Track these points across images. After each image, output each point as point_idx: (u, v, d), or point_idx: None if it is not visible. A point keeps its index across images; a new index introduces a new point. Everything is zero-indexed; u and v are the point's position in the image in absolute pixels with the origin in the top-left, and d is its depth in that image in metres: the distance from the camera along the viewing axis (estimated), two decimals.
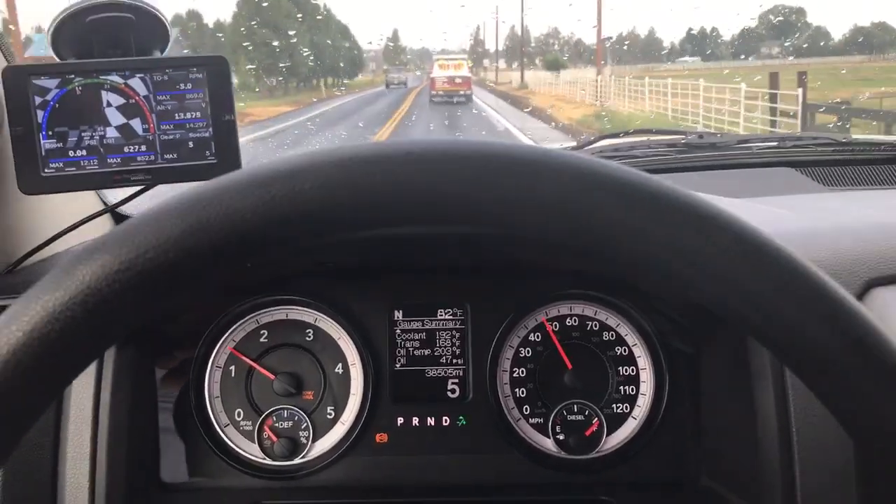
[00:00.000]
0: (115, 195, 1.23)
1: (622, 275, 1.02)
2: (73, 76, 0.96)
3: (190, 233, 0.44)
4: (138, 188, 1.09)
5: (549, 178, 0.45)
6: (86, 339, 0.44)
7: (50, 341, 0.42)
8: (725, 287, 0.45)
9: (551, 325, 1.15)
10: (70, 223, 1.11)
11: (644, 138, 1.76)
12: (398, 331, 1.15)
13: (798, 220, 1.17)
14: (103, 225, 1.29)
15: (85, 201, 1.25)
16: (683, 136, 1.67)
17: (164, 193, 0.99)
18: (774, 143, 1.66)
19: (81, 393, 0.97)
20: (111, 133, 0.98)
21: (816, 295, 0.45)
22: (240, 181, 0.45)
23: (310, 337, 1.14)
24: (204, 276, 0.46)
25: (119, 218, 1.35)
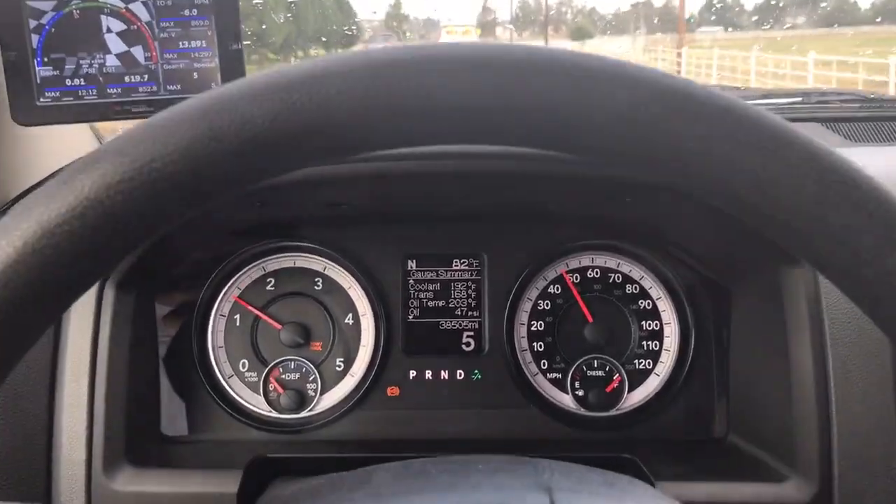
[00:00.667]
0: (113, 133, 1.17)
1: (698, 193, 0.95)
2: None
3: (200, 141, 0.38)
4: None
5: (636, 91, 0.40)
6: (84, 256, 0.38)
7: (44, 258, 0.37)
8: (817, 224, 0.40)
9: (571, 276, 1.10)
10: (66, 162, 1.06)
11: None
12: (412, 281, 1.10)
13: None
14: None
15: (81, 138, 1.18)
16: None
17: None
18: (799, 99, 1.60)
19: (78, 338, 0.91)
20: (111, 61, 0.91)
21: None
22: (257, 85, 0.40)
23: (319, 286, 1.09)
24: (214, 191, 0.40)
25: None
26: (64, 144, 1.11)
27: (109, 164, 0.38)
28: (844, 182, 0.39)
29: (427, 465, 0.57)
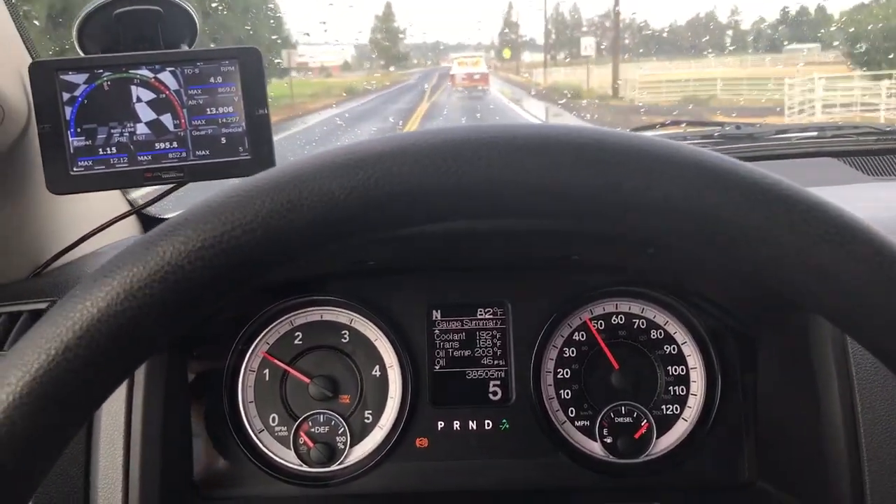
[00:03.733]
0: (141, 197, 1.20)
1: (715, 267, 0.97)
2: (101, 71, 0.92)
3: (280, 212, 0.40)
4: (165, 189, 1.05)
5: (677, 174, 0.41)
6: (161, 319, 0.40)
7: (126, 319, 0.39)
8: (854, 303, 0.41)
9: (595, 323, 1.10)
10: (96, 225, 1.08)
11: (679, 130, 1.71)
12: (437, 331, 1.11)
13: (853, 210, 1.12)
14: (130, 226, 1.26)
15: (111, 202, 1.21)
16: (720, 127, 1.62)
17: (192, 195, 0.95)
18: (814, 133, 1.61)
19: (113, 398, 0.93)
20: (141, 129, 0.94)
21: None
22: (336, 160, 0.42)
23: (346, 338, 1.10)
24: (291, 258, 0.42)
25: (146, 219, 1.31)
26: (94, 208, 1.14)
27: (192, 230, 0.40)
28: None
29: None
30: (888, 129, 1.58)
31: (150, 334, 0.41)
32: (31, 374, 0.38)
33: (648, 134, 1.65)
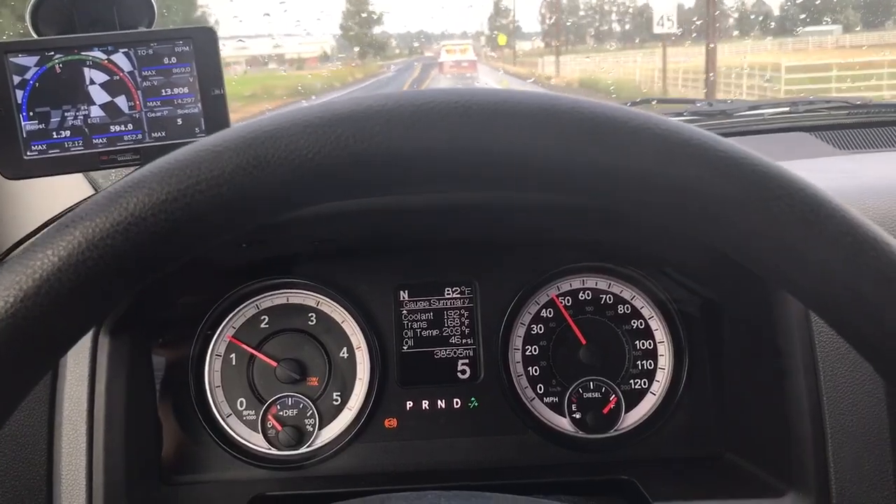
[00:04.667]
0: (105, 180, 1.19)
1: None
2: (52, 53, 0.91)
3: (246, 169, 0.40)
4: (127, 172, 1.04)
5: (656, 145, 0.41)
6: (124, 271, 0.40)
7: (87, 269, 0.39)
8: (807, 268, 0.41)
9: (563, 300, 1.10)
10: (58, 211, 1.07)
11: (651, 107, 1.71)
12: (404, 311, 1.11)
13: (818, 182, 1.12)
14: None
15: (74, 187, 1.20)
16: (692, 104, 1.62)
17: None
18: (787, 109, 1.61)
19: (75, 383, 0.92)
20: (95, 112, 0.93)
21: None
22: (303, 118, 0.41)
23: (312, 321, 1.10)
24: (255, 216, 0.42)
25: None
26: (54, 193, 1.13)
27: (157, 183, 0.40)
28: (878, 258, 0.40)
29: (441, 499, 0.58)
30: (859, 102, 1.58)
31: (110, 287, 0.40)
32: None
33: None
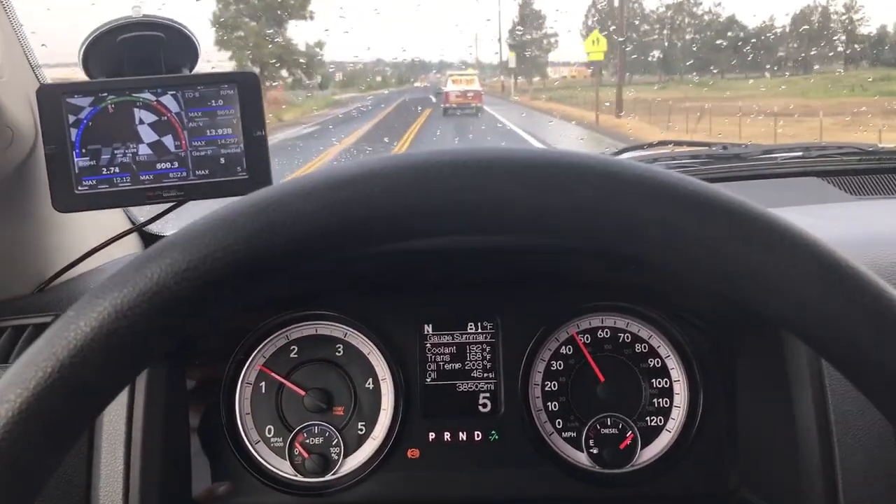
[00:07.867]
0: (142, 214, 1.24)
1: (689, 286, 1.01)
2: (105, 94, 0.96)
3: (259, 234, 0.44)
4: (166, 207, 1.09)
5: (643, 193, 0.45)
6: (152, 336, 0.44)
7: (117, 337, 0.42)
8: (801, 310, 0.44)
9: (582, 337, 1.14)
10: (98, 242, 1.12)
11: (668, 150, 1.75)
12: (428, 345, 1.14)
13: (828, 228, 1.16)
14: (132, 243, 1.30)
15: (113, 220, 1.25)
16: (707, 148, 1.67)
17: (192, 212, 0.99)
18: (800, 154, 1.65)
19: (113, 411, 0.96)
20: (143, 150, 0.98)
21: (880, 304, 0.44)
22: (308, 184, 0.45)
23: (339, 352, 1.14)
24: (270, 277, 0.46)
25: (147, 236, 1.35)
26: (96, 226, 1.18)
27: (178, 253, 0.44)
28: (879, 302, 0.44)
29: None
30: (870, 149, 1.62)
31: (140, 350, 0.44)
32: (28, 390, 0.41)
33: (630, 155, 1.69)
